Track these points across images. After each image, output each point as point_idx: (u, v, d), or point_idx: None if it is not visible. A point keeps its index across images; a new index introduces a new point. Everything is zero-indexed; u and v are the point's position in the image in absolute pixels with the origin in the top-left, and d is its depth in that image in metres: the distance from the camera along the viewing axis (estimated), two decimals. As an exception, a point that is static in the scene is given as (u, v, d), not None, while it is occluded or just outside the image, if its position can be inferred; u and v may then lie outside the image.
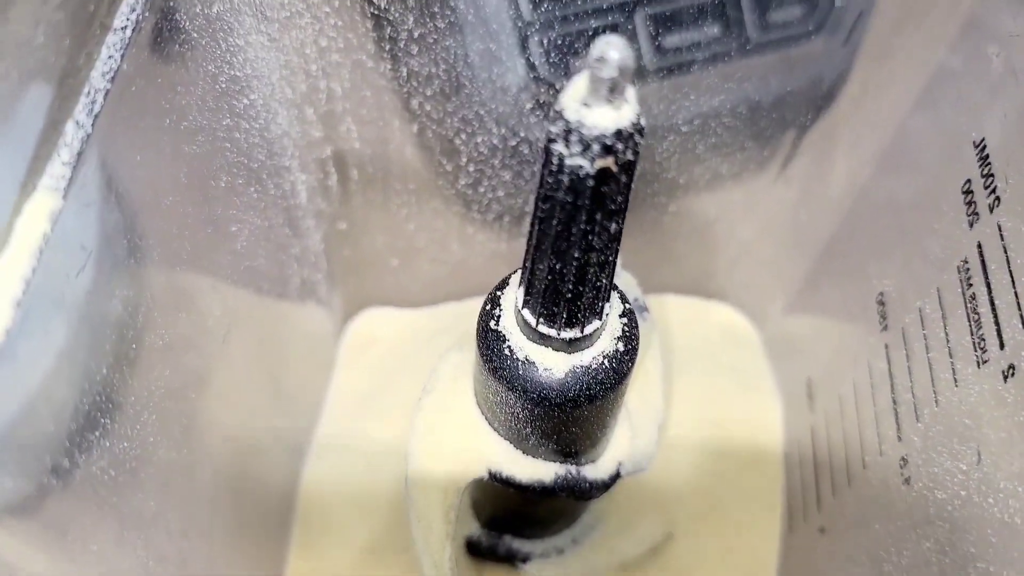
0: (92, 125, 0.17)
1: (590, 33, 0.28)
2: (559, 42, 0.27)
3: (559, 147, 0.16)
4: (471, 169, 0.31)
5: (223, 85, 0.22)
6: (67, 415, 0.18)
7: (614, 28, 0.28)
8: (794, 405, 0.34)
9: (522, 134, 0.30)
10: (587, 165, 0.16)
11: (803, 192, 0.32)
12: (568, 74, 0.28)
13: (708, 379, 0.36)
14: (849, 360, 0.28)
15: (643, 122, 0.16)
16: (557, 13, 0.27)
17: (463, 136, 0.30)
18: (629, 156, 0.17)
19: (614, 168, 0.17)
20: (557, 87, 0.28)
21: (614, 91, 0.16)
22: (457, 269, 0.36)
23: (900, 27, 0.26)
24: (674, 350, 0.37)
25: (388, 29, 0.26)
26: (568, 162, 0.17)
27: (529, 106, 0.28)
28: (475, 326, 0.23)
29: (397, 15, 0.26)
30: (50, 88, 0.16)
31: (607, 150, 0.16)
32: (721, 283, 0.38)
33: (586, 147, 0.16)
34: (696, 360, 0.37)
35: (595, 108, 0.16)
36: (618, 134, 0.16)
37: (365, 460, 0.33)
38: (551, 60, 0.28)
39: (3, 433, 0.16)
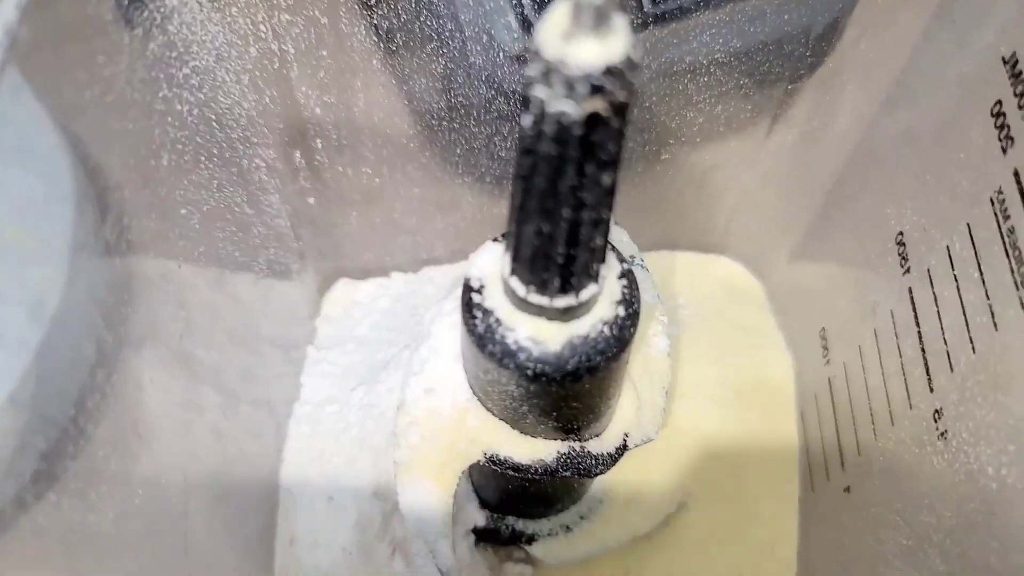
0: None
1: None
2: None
3: (539, 91, 0.14)
4: (445, 130, 0.28)
5: (155, 52, 0.20)
6: (32, 424, 0.16)
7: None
8: (806, 359, 0.33)
9: (498, 87, 0.27)
10: (573, 110, 0.14)
11: (805, 134, 0.30)
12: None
13: (712, 337, 0.34)
14: (867, 307, 0.26)
15: (636, 55, 0.14)
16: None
17: (432, 94, 0.27)
18: (621, 96, 0.14)
19: (604, 112, 0.14)
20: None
21: (601, 19, 0.13)
22: (437, 237, 0.34)
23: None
24: (675, 308, 0.35)
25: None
26: (551, 108, 0.14)
27: (503, 55, 0.26)
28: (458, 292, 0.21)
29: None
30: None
31: (596, 91, 0.14)
32: (720, 236, 0.36)
33: (571, 88, 0.14)
34: (698, 318, 0.35)
35: (579, 42, 0.13)
36: (608, 71, 0.14)
37: (346, 443, 0.31)
38: (544, 8, 0.25)
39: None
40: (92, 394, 0.18)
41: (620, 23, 0.14)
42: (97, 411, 0.18)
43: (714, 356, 0.34)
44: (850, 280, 0.28)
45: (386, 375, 0.31)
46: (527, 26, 0.26)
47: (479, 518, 0.29)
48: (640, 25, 0.26)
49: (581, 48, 0.13)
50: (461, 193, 0.32)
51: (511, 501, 0.29)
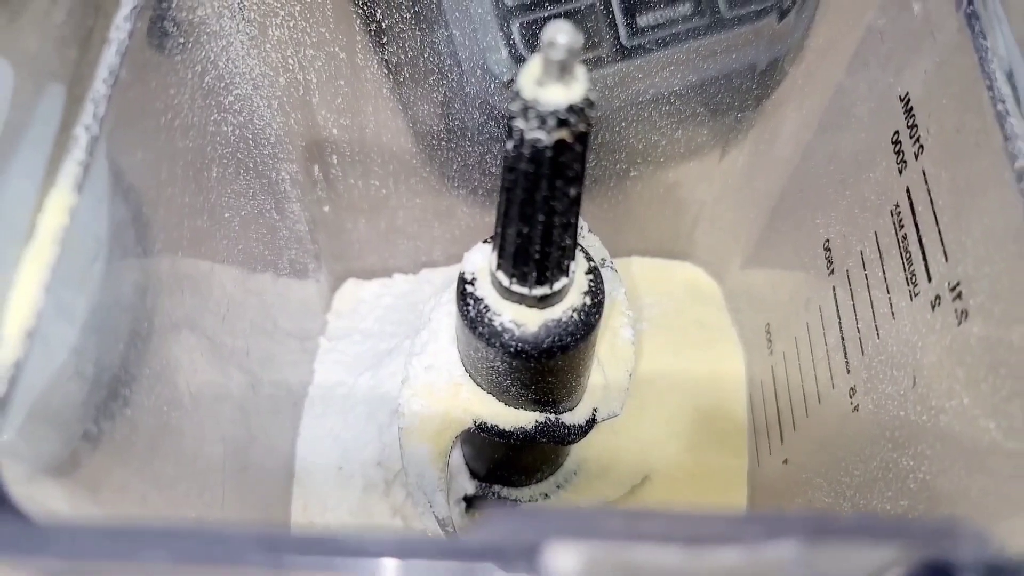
0: (99, 128, 0.18)
1: (570, 14, 0.29)
2: (539, 25, 0.29)
3: (519, 123, 0.18)
4: (443, 149, 0.33)
5: (209, 83, 0.24)
6: (92, 387, 0.20)
7: (591, 9, 0.29)
8: (755, 351, 0.37)
9: (489, 112, 0.31)
10: (544, 138, 0.18)
11: (752, 157, 0.34)
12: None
13: (675, 333, 0.38)
14: (802, 304, 0.31)
15: (593, 96, 0.18)
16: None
17: (433, 118, 0.32)
18: (582, 128, 0.19)
19: (569, 139, 0.19)
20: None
21: (564, 71, 0.18)
22: (435, 243, 0.38)
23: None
24: (642, 308, 0.39)
25: (358, 22, 0.28)
26: (528, 136, 0.18)
27: (494, 85, 0.30)
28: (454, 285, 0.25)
29: (365, 11, 0.28)
30: (60, 96, 0.18)
31: (562, 123, 0.18)
32: (683, 244, 0.40)
33: (543, 122, 0.18)
34: (663, 316, 0.39)
35: (549, 87, 0.18)
36: (570, 109, 0.18)
37: (353, 420, 0.36)
38: (531, 43, 0.29)
39: (40, 402, 0.18)
40: (136, 370, 0.22)
41: (580, 73, 0.18)
42: (140, 385, 0.22)
43: (676, 348, 0.38)
44: (789, 281, 0.32)
45: (388, 361, 0.35)
46: (517, 58, 0.30)
47: (469, 487, 0.33)
48: (618, 56, 0.30)
49: (550, 92, 0.18)
50: (456, 204, 0.36)
51: (497, 471, 0.33)
